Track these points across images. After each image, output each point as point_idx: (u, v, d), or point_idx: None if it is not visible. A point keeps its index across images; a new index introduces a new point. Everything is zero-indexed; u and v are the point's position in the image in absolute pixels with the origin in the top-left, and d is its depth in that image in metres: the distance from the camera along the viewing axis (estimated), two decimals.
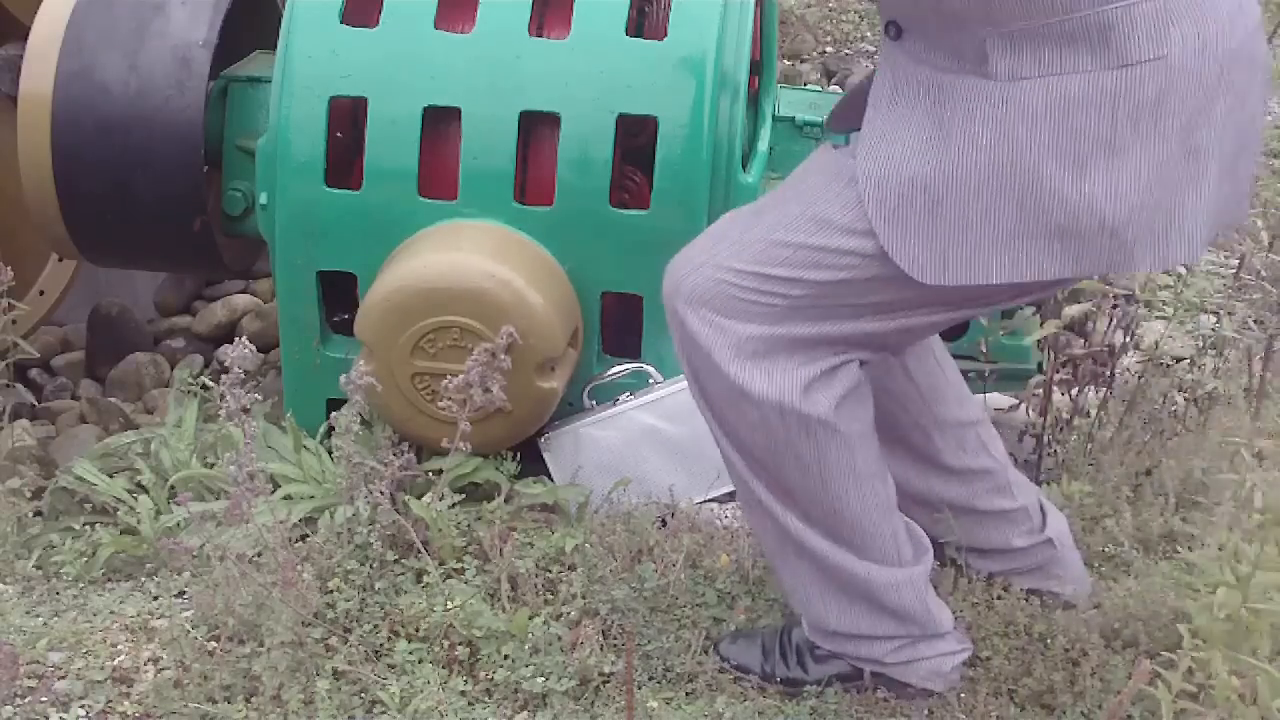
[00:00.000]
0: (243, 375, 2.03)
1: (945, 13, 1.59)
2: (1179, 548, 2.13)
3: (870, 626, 1.89)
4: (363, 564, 2.10)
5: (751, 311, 1.72)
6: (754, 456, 1.80)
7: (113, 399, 3.25)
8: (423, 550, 2.13)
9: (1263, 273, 3.16)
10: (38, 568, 2.27)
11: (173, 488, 2.39)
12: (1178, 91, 1.57)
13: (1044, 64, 1.57)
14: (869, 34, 5.08)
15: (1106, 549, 2.28)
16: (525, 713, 1.90)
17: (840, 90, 4.39)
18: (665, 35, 2.37)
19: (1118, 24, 1.55)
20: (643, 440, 2.42)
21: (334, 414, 2.19)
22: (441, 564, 2.14)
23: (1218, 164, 1.62)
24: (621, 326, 2.50)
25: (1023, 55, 1.57)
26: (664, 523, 2.26)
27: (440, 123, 2.40)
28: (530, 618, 2.00)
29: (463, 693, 1.91)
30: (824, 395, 1.73)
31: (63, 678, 1.95)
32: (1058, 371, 2.45)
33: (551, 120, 2.36)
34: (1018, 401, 2.58)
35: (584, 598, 2.05)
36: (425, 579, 2.10)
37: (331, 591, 2.04)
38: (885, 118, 1.65)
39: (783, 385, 1.72)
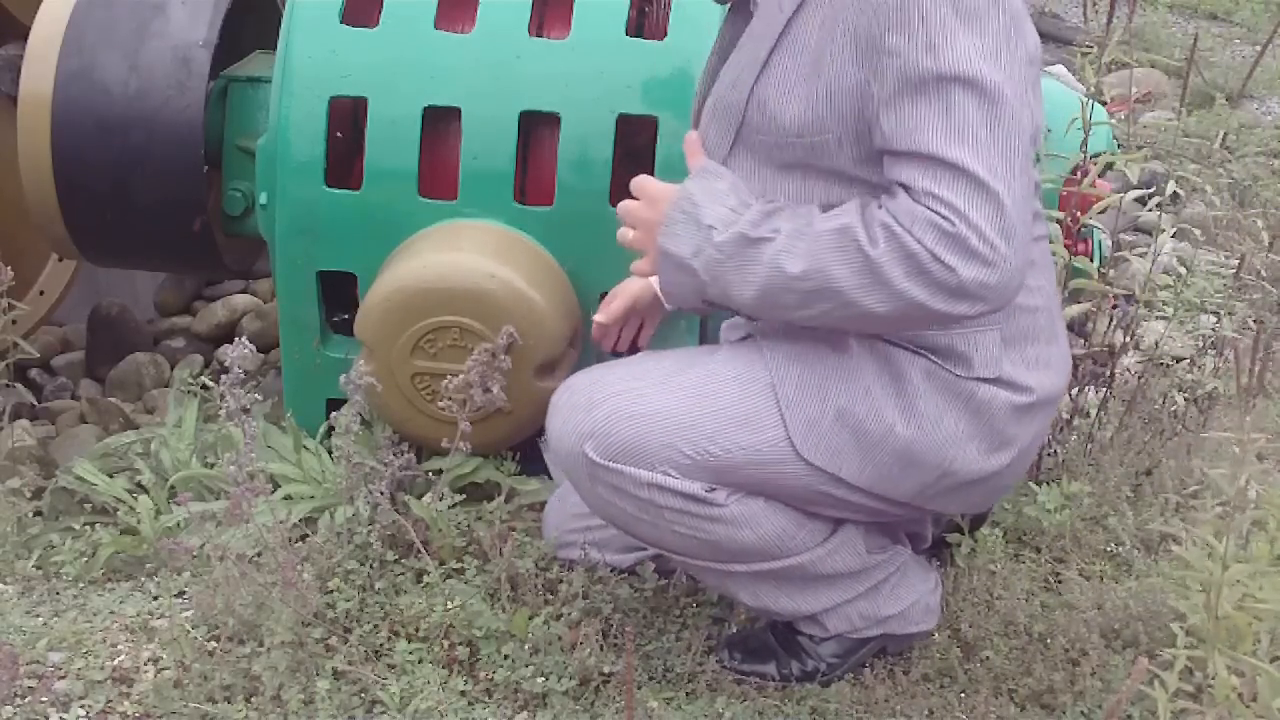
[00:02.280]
0: (243, 375, 2.03)
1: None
2: (1170, 546, 2.13)
3: (839, 595, 1.94)
4: (363, 564, 2.10)
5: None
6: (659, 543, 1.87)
7: (113, 399, 3.25)
8: (423, 550, 2.13)
9: (1263, 273, 3.16)
10: (38, 568, 2.27)
11: (173, 488, 2.39)
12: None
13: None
14: None
15: (1108, 548, 2.28)
16: (525, 713, 1.90)
17: None
18: (665, 35, 2.37)
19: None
20: None
21: (334, 414, 2.19)
22: (441, 564, 2.14)
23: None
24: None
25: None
26: None
27: (440, 123, 2.40)
28: (530, 618, 2.00)
29: (463, 693, 1.91)
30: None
31: (63, 678, 1.95)
32: None
33: (551, 120, 2.36)
34: None
35: (584, 597, 2.05)
36: (425, 579, 2.10)
37: (331, 591, 2.04)
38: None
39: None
